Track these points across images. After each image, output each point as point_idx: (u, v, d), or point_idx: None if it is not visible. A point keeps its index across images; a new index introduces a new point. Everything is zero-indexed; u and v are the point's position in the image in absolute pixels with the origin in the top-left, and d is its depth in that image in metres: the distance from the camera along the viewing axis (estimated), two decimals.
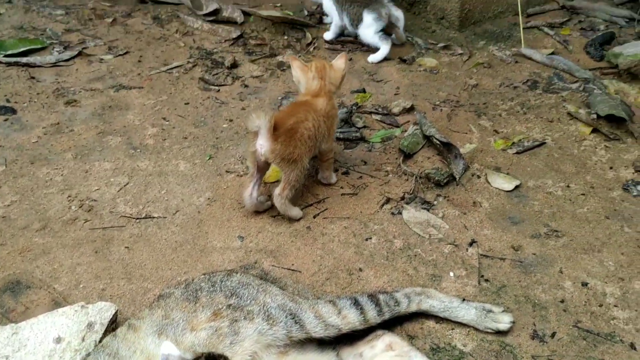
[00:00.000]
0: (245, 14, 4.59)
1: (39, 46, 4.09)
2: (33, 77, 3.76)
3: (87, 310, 2.13)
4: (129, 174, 2.98)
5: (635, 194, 2.93)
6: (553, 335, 2.21)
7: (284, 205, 2.68)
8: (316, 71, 2.84)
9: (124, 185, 2.91)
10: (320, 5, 4.47)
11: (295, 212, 2.73)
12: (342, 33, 4.39)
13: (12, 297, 2.32)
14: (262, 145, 2.58)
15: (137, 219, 2.72)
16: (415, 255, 2.55)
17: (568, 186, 2.97)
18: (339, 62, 2.89)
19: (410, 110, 3.52)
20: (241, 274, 2.10)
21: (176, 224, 2.69)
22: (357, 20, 4.13)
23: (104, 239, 2.60)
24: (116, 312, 2.17)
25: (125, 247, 2.56)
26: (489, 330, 2.20)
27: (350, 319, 2.03)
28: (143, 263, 2.49)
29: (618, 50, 4.05)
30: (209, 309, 1.90)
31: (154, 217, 2.73)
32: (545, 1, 4.98)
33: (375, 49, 4.16)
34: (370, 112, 3.50)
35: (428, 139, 3.21)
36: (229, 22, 4.53)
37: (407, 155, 3.13)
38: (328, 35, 4.36)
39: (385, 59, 4.11)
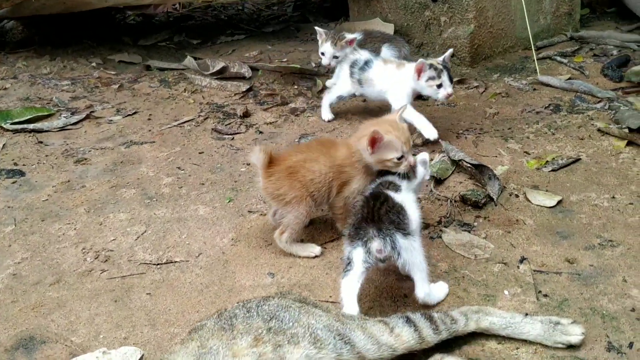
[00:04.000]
0: (253, 69, 4.53)
1: (46, 113, 4.00)
2: (41, 142, 3.65)
3: (109, 356, 1.93)
4: (146, 223, 2.80)
5: None
6: (631, 345, 1.97)
7: (286, 247, 2.51)
8: (360, 131, 2.53)
9: (142, 234, 2.73)
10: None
11: (304, 250, 2.52)
12: None
13: (25, 354, 2.10)
14: (258, 180, 2.50)
15: (158, 264, 2.52)
16: (463, 277, 2.34)
17: (613, 197, 2.78)
18: (362, 141, 2.40)
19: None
20: (279, 298, 1.89)
21: (200, 267, 2.49)
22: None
23: (123, 288, 2.40)
24: (142, 357, 1.95)
25: (147, 294, 2.36)
26: (558, 345, 1.96)
27: (405, 338, 1.81)
28: (167, 308, 2.28)
29: (638, 69, 3.95)
30: (248, 335, 1.68)
31: (175, 262, 2.53)
32: (553, 34, 4.92)
33: None
34: None
35: (457, 164, 3.05)
36: (237, 78, 4.46)
37: (438, 181, 2.96)
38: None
39: None
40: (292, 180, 2.45)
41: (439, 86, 3.19)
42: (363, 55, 3.59)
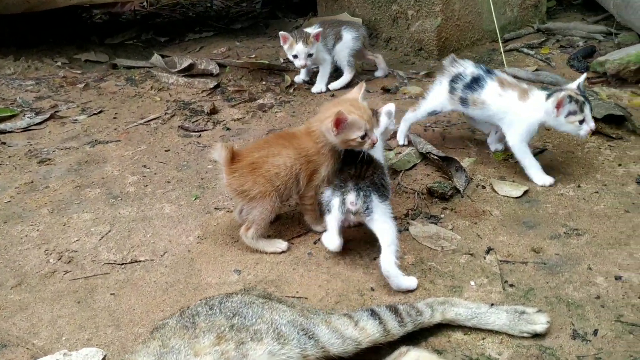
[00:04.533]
0: (221, 65, 4.49)
1: (9, 114, 3.92)
2: (4, 143, 3.57)
3: (70, 358, 1.89)
4: (111, 222, 2.76)
5: None
6: (595, 332, 1.98)
7: (252, 243, 2.48)
8: (322, 112, 2.51)
9: (106, 234, 2.68)
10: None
11: (271, 246, 2.49)
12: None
13: None
14: (222, 177, 2.47)
15: (122, 264, 2.48)
16: (430, 269, 2.33)
17: (579, 186, 2.80)
18: (327, 123, 2.38)
19: None
20: (242, 294, 1.87)
21: (165, 265, 2.46)
22: (336, 40, 4.00)
23: (86, 289, 2.36)
24: (104, 358, 1.92)
25: (111, 294, 2.32)
26: (524, 335, 1.97)
27: (370, 331, 1.80)
28: (131, 308, 2.24)
29: (603, 59, 3.98)
30: (211, 333, 1.66)
31: (140, 261, 2.49)
32: (520, 26, 4.95)
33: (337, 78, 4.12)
34: None
35: (425, 156, 3.05)
36: (205, 74, 4.41)
37: (399, 172, 2.97)
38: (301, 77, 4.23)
39: (367, 91, 4.00)
40: (256, 175, 2.43)
41: (581, 122, 2.70)
42: (468, 68, 2.97)
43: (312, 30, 3.83)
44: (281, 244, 2.49)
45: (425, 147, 3.07)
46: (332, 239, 2.34)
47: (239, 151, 2.49)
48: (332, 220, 2.34)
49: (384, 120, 2.59)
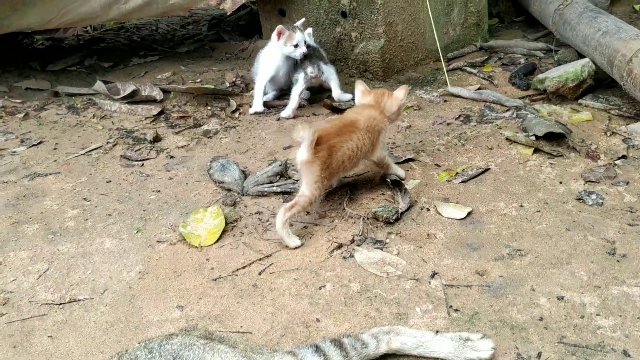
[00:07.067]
0: (165, 91, 4.42)
1: None
2: None
3: None
4: (49, 260, 2.67)
5: (590, 203, 2.81)
6: (539, 355, 1.99)
7: (282, 226, 2.60)
8: (374, 96, 3.03)
9: (44, 272, 2.59)
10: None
11: (290, 238, 2.63)
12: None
13: None
14: (302, 154, 2.61)
15: (61, 304, 2.40)
16: (376, 296, 2.31)
17: (521, 206, 2.83)
18: (399, 92, 3.03)
19: None
20: (182, 336, 1.82)
21: (105, 304, 2.38)
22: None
23: (23, 332, 2.27)
24: None
25: (49, 337, 2.23)
26: None
27: None
28: (70, 351, 2.16)
29: (543, 76, 4.05)
30: None
31: (79, 300, 2.41)
32: (463, 45, 5.02)
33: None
34: None
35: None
36: (149, 101, 4.34)
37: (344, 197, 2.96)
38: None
39: (314, 114, 3.99)
40: (332, 158, 2.70)
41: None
42: None
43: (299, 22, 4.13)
44: (297, 241, 2.64)
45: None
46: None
47: (320, 134, 2.68)
48: (297, 90, 3.96)
49: (305, 37, 3.98)
